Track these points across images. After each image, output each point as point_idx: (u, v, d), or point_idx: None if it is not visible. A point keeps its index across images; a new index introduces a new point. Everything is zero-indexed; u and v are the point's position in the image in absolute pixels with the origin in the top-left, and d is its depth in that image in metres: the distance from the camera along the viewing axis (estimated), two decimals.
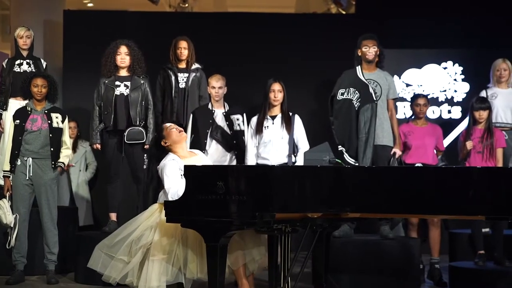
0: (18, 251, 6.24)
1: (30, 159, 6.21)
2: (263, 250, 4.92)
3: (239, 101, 7.10)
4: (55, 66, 8.50)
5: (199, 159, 5.20)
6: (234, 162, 6.49)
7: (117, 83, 6.43)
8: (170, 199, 4.73)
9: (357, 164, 6.00)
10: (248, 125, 6.45)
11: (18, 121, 6.26)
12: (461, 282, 6.05)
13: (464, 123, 7.27)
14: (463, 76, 8.44)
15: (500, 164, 6.23)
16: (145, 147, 6.41)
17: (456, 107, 8.42)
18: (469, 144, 6.22)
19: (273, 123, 6.27)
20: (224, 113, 6.54)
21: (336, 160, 5.01)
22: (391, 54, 7.13)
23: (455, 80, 8.46)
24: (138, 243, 4.88)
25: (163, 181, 4.94)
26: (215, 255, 4.37)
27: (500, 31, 8.48)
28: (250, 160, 6.32)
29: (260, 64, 8.37)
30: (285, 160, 6.21)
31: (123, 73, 6.50)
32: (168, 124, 5.24)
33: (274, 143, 6.23)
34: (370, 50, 6.22)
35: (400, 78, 8.44)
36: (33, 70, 6.96)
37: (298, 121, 6.30)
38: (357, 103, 6.12)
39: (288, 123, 6.24)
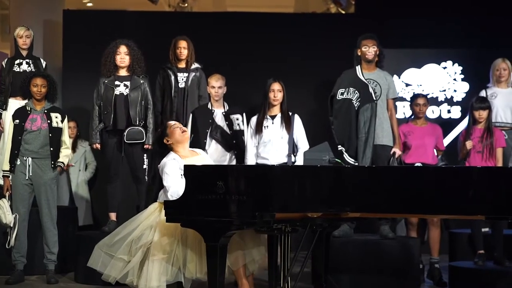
0: (17, 250, 6.24)
1: (30, 159, 6.20)
2: (263, 250, 4.92)
3: (238, 101, 7.11)
4: (55, 66, 8.49)
5: (201, 158, 5.20)
6: (233, 162, 6.48)
7: (116, 82, 6.43)
8: (169, 197, 4.74)
9: (357, 164, 6.00)
10: (247, 125, 6.45)
11: (17, 120, 6.25)
12: (461, 282, 6.05)
13: (464, 123, 7.26)
14: (462, 76, 8.43)
15: (500, 164, 6.23)
16: (144, 147, 6.41)
17: (456, 107, 8.41)
18: (469, 144, 6.22)
19: (272, 123, 6.26)
20: (223, 113, 6.53)
21: (336, 160, 5.02)
22: (391, 54, 7.12)
23: (454, 80, 8.45)
24: (138, 242, 4.88)
25: (163, 180, 4.95)
26: (215, 255, 4.37)
27: (500, 31, 8.47)
28: (250, 160, 6.32)
29: (260, 64, 8.36)
30: (285, 160, 6.20)
31: (123, 72, 6.49)
32: (172, 123, 5.24)
33: (274, 142, 6.22)
34: (369, 50, 6.22)
35: (399, 78, 8.43)
36: (33, 69, 6.95)
37: (297, 121, 6.30)
38: (357, 103, 6.12)
39: (287, 123, 6.23)
